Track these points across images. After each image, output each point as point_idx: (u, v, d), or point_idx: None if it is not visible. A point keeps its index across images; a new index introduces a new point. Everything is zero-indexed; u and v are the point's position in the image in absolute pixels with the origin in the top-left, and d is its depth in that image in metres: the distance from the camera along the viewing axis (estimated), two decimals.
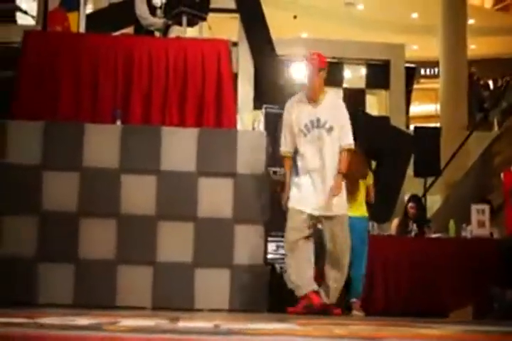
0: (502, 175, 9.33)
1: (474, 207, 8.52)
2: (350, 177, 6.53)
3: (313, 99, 6.11)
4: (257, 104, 11.28)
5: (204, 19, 7.56)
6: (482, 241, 8.30)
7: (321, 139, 6.01)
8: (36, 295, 6.18)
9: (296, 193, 6.15)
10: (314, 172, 6.07)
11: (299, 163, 6.16)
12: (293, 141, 6.16)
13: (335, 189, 5.99)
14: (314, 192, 6.07)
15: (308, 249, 6.18)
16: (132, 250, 6.34)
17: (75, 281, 6.26)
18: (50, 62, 6.76)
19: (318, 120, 6.00)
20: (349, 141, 6.09)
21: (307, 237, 6.15)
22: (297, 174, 6.19)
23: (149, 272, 6.33)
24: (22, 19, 12.43)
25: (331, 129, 6.00)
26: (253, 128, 8.28)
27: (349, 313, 7.06)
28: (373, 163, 11.50)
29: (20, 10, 10.84)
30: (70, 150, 6.39)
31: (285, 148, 6.22)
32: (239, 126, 10.87)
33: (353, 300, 7.23)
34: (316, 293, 6.15)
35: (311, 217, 6.10)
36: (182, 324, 3.62)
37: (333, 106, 6.11)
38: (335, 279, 6.19)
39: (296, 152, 6.19)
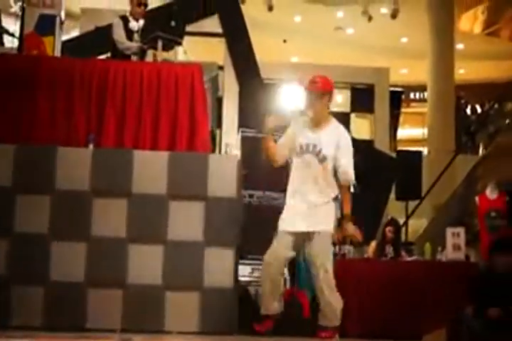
0: (477, 199, 9.42)
1: (450, 230, 8.55)
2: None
3: (315, 123, 5.92)
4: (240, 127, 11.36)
5: (179, 44, 7.66)
6: (456, 265, 8.33)
7: (310, 166, 5.91)
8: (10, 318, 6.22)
9: (284, 214, 6.11)
10: (298, 194, 6.01)
11: (289, 184, 6.13)
12: (284, 152, 6.07)
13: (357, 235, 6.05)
14: (298, 213, 6.01)
15: (282, 269, 6.14)
16: (103, 272, 6.36)
17: (45, 303, 6.29)
18: (24, 85, 6.83)
19: (314, 146, 5.86)
20: (352, 176, 5.97)
21: (286, 260, 6.11)
22: (287, 195, 6.16)
23: (119, 294, 6.36)
24: (11, 42, 12.52)
25: (324, 159, 5.85)
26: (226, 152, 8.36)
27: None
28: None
29: (7, 32, 10.90)
30: (42, 173, 6.45)
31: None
32: (224, 150, 10.97)
33: None
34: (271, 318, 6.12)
35: (297, 237, 6.00)
36: None
37: (333, 135, 5.89)
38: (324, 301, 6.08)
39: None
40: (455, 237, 8.48)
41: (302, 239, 6.00)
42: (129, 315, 6.33)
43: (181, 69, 7.16)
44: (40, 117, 6.77)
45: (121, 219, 6.42)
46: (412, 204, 12.91)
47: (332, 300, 6.03)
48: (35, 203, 6.41)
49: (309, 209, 5.95)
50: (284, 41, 20.20)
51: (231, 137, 12.12)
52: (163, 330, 6.32)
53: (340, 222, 6.10)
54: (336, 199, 6.09)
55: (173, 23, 7.71)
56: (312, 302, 7.09)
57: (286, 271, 6.33)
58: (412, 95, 22.97)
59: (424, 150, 17.34)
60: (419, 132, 21.27)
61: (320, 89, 5.85)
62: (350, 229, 6.01)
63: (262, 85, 12.62)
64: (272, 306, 6.08)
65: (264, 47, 14.24)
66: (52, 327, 6.12)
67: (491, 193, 9.33)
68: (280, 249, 6.01)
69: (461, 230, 8.53)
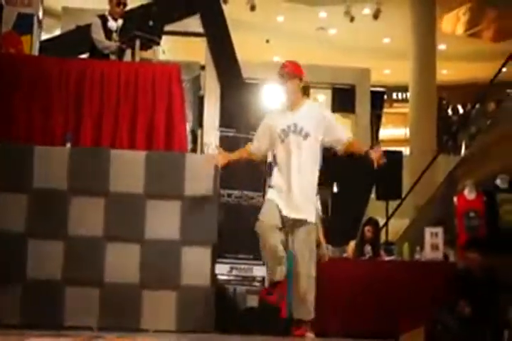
0: (455, 199, 9.46)
1: (428, 230, 8.61)
2: None
3: (291, 106, 6.08)
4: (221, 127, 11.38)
5: (158, 43, 7.67)
6: (434, 264, 8.39)
7: (295, 145, 5.94)
8: None
9: (273, 192, 6.07)
10: (286, 177, 5.99)
11: (275, 169, 6.14)
12: (264, 143, 6.17)
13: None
14: (285, 196, 5.97)
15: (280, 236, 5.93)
16: (80, 270, 6.37)
17: (22, 302, 6.29)
18: (1, 83, 6.83)
19: (295, 125, 5.94)
20: (349, 134, 6.11)
21: (279, 229, 5.92)
22: (274, 178, 6.15)
23: (96, 292, 6.38)
24: None
25: (306, 136, 5.93)
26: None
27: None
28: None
29: None
30: (19, 172, 6.45)
31: (251, 144, 6.25)
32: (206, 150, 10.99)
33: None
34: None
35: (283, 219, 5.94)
36: None
37: (311, 112, 6.04)
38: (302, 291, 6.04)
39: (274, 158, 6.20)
40: (433, 237, 8.54)
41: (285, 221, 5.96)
42: (106, 313, 6.35)
43: (159, 68, 7.19)
44: (17, 116, 6.76)
45: (98, 218, 6.44)
46: (393, 204, 12.96)
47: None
48: (12, 202, 6.40)
49: (294, 197, 5.94)
50: (267, 41, 20.21)
51: (211, 137, 12.12)
52: (140, 328, 6.33)
53: None
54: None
55: (151, 23, 7.71)
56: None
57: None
58: (394, 95, 23.05)
59: (407, 151, 17.43)
60: (402, 132, 21.34)
61: (290, 72, 6.06)
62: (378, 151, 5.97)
63: (243, 85, 12.63)
64: (277, 272, 5.93)
65: (246, 47, 14.26)
66: (29, 325, 6.13)
67: (469, 193, 9.38)
68: (270, 211, 5.94)
69: (439, 230, 8.59)
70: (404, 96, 22.92)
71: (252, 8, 18.30)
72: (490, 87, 15.03)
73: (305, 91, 14.17)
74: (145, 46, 7.55)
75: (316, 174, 6.06)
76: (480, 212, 9.33)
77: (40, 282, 6.33)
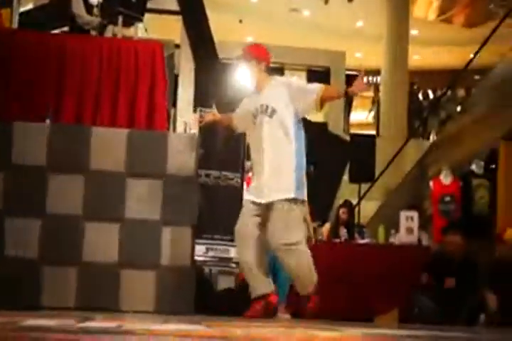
0: (431, 183, 9.51)
1: (403, 214, 8.66)
2: None
3: (256, 88, 6.08)
4: (196, 107, 11.26)
5: (140, 20, 7.58)
6: (409, 248, 8.45)
7: (262, 125, 5.89)
8: None
9: (248, 190, 6.16)
10: (259, 161, 5.92)
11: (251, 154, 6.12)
12: (240, 125, 6.23)
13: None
14: (256, 184, 5.93)
15: (260, 237, 5.85)
16: (58, 250, 6.29)
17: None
18: None
19: (261, 106, 5.91)
20: (319, 85, 5.89)
21: (257, 226, 5.86)
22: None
23: (74, 272, 6.30)
24: None
25: (273, 113, 5.85)
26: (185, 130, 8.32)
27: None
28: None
29: None
30: None
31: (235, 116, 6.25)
32: (179, 128, 10.89)
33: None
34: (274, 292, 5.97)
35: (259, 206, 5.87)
36: (87, 324, 3.63)
37: (276, 87, 5.98)
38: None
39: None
40: (408, 221, 8.59)
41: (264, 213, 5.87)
42: (84, 293, 6.28)
43: (142, 45, 7.09)
44: None
45: (77, 196, 6.35)
46: (365, 187, 13.00)
47: None
48: None
49: (264, 181, 5.85)
50: (240, 21, 20.07)
51: (186, 116, 12.02)
52: (118, 309, 6.28)
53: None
54: None
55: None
56: None
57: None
58: (365, 79, 23.07)
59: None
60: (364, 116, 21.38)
61: (246, 55, 6.08)
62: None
63: (218, 64, 12.52)
64: (256, 286, 5.92)
65: (220, 27, 14.12)
66: (6, 305, 6.02)
67: (444, 178, 9.44)
68: (246, 217, 5.90)
69: (414, 214, 8.65)
70: (374, 80, 22.98)
71: None
72: (461, 73, 15.15)
73: (275, 72, 14.20)
74: (127, 23, 7.45)
75: (292, 147, 5.81)
76: (455, 197, 9.40)
77: (17, 261, 6.23)
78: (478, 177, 9.96)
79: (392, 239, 8.72)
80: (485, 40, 12.60)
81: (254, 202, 5.88)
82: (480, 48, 12.67)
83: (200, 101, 11.70)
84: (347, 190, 12.99)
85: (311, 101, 5.82)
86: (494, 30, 12.54)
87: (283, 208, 5.74)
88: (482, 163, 10.14)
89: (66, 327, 3.25)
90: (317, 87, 5.87)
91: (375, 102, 20.21)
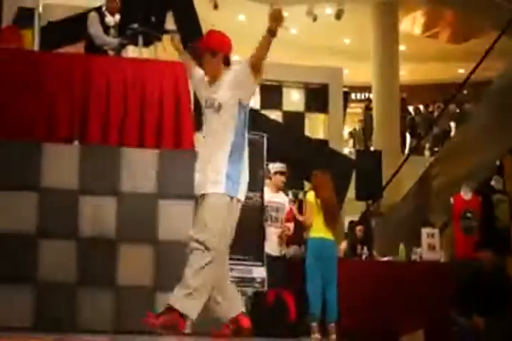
0: (452, 199, 9.43)
1: (424, 231, 8.62)
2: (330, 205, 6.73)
3: (210, 81, 5.26)
4: None
5: (160, 39, 7.52)
6: (432, 265, 8.40)
7: (207, 121, 5.21)
8: None
9: None
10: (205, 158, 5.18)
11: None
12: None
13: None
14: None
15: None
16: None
17: None
18: (3, 79, 6.59)
19: (208, 99, 5.18)
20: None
21: None
22: None
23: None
24: None
25: (219, 108, 5.13)
26: None
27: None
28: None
29: None
30: (27, 170, 6.28)
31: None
32: None
33: (331, 324, 7.28)
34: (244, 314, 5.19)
35: None
36: None
37: (225, 77, 5.19)
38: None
39: None
40: (429, 237, 8.55)
41: None
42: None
43: (166, 67, 7.02)
44: (22, 112, 6.53)
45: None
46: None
47: None
48: (22, 201, 6.24)
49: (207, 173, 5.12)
50: None
51: None
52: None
53: None
54: None
55: (153, 19, 7.55)
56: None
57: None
58: (353, 96, 23.09)
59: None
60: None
61: (205, 46, 5.25)
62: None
63: None
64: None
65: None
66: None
67: (465, 194, 9.38)
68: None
69: (435, 231, 8.61)
70: (361, 96, 23.10)
71: (215, 6, 18.18)
72: (458, 88, 15.22)
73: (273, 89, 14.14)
74: (146, 42, 7.40)
75: (229, 139, 5.11)
76: (476, 213, 9.34)
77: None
78: (498, 192, 9.97)
79: (413, 256, 8.65)
80: (482, 56, 12.62)
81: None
82: (478, 64, 12.69)
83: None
84: (352, 208, 12.92)
85: (251, 84, 5.15)
86: (492, 47, 12.56)
87: (204, 203, 5.10)
88: (501, 179, 10.13)
89: None
90: (244, 62, 5.10)
91: (363, 120, 20.26)
